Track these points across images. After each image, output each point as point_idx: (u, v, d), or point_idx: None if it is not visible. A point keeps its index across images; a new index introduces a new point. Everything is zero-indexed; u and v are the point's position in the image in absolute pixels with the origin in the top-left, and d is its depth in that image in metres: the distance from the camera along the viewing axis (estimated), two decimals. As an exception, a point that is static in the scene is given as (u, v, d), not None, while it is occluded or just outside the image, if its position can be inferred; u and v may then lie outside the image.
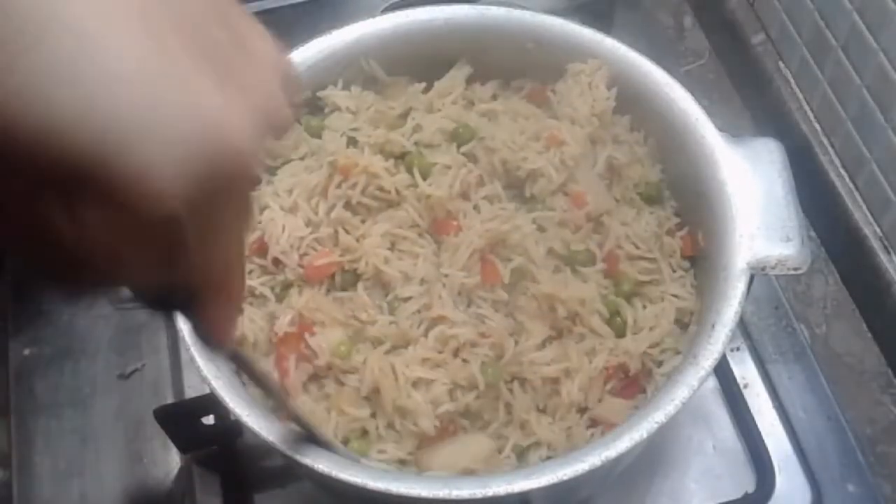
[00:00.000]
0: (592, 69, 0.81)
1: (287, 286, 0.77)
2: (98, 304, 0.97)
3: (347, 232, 0.77)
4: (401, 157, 0.80)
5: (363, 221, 0.78)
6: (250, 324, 0.75)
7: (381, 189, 0.78)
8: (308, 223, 0.77)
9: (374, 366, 0.71)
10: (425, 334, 0.73)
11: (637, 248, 0.77)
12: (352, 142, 0.81)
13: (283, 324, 0.74)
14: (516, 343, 0.73)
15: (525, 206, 0.79)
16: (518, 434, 0.71)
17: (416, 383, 0.70)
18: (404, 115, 0.84)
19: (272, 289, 0.77)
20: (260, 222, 0.77)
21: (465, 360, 0.71)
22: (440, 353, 0.72)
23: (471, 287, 0.74)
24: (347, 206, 0.78)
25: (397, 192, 0.78)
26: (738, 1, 1.12)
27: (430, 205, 0.77)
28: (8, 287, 1.00)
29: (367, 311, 0.74)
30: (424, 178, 0.78)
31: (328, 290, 0.77)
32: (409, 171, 0.79)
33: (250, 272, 0.77)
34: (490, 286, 0.74)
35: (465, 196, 0.78)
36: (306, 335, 0.73)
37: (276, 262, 0.77)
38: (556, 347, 0.73)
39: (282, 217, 0.77)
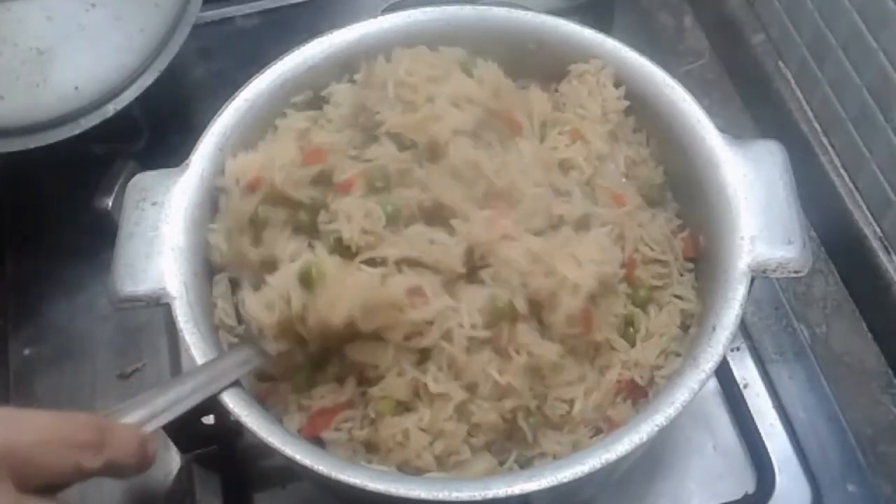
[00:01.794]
0: (597, 68, 0.81)
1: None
2: (98, 304, 0.97)
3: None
4: None
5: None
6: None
7: None
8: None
9: (389, 437, 0.68)
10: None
11: (652, 250, 0.76)
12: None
13: None
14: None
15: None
16: (523, 445, 0.71)
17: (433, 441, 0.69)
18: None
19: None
20: None
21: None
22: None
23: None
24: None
25: None
26: (738, 1, 1.12)
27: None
28: (8, 287, 1.00)
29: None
30: None
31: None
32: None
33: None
34: None
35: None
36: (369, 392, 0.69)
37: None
38: (573, 365, 0.72)
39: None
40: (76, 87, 0.90)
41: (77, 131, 0.92)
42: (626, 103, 0.80)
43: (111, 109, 0.93)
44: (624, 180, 0.79)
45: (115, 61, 0.92)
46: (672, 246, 0.77)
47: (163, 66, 0.95)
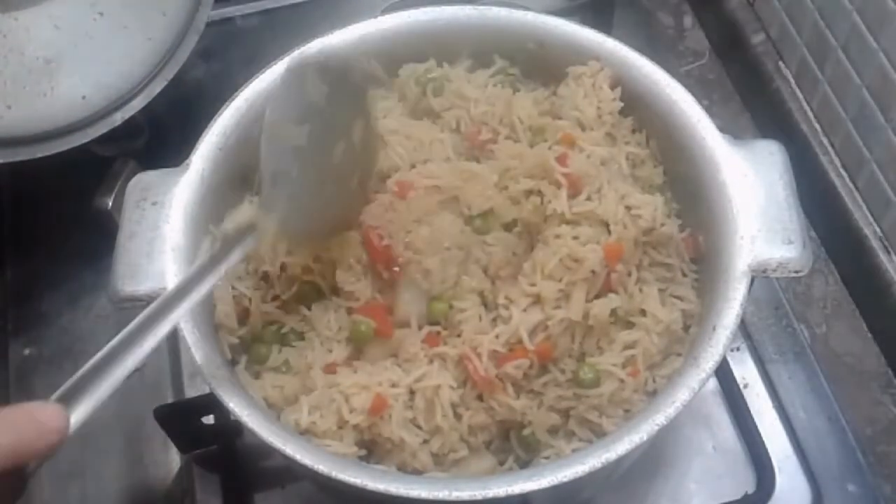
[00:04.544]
0: (594, 71, 0.80)
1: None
2: (98, 304, 0.97)
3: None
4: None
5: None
6: None
7: None
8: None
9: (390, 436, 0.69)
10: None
11: (659, 253, 0.76)
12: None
13: None
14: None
15: None
16: (523, 448, 0.71)
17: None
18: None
19: None
20: None
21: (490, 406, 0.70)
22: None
23: None
24: None
25: None
26: (738, 1, 1.12)
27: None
28: (8, 287, 1.00)
29: None
30: None
31: None
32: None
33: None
34: None
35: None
36: None
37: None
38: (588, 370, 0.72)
39: None
40: (83, 97, 0.90)
41: (84, 140, 0.92)
42: (621, 104, 0.80)
43: (118, 118, 0.93)
44: (631, 180, 0.79)
45: (122, 70, 0.92)
46: (679, 249, 0.77)
47: (170, 75, 0.95)
